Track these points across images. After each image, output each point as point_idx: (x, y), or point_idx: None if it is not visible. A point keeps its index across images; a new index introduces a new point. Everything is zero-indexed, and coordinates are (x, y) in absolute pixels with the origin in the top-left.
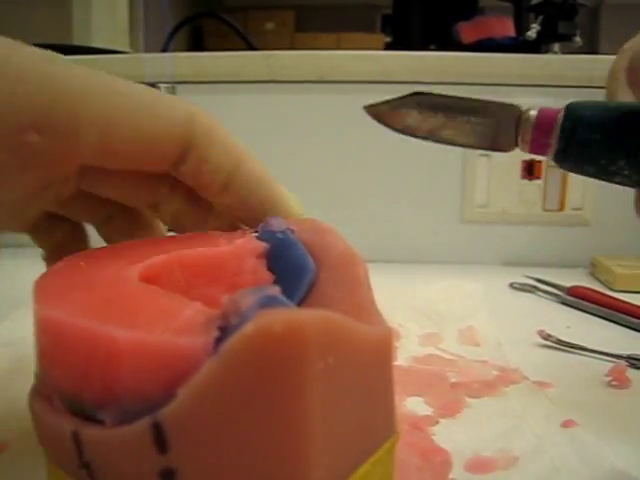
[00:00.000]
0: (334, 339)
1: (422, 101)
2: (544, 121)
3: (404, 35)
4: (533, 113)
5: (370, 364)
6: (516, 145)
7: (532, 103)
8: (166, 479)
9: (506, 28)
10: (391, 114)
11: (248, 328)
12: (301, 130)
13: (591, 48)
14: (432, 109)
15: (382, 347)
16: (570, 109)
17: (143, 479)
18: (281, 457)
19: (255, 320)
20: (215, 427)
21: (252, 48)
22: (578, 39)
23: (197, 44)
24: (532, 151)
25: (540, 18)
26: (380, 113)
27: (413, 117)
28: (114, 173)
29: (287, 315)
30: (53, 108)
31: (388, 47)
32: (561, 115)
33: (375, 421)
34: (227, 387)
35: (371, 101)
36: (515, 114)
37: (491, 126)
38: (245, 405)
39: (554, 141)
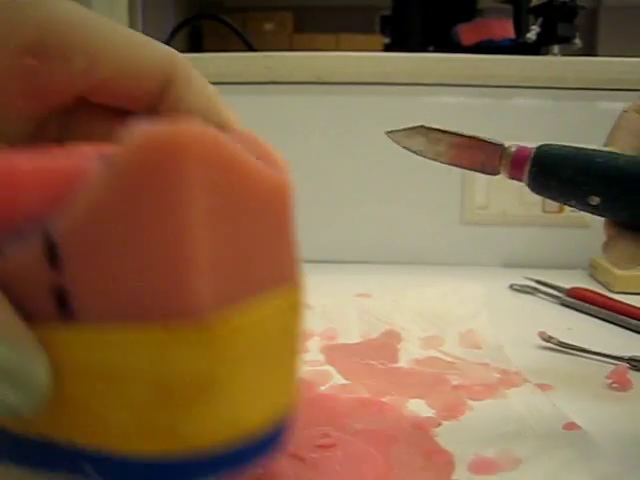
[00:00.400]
0: (217, 154)
1: (429, 132)
2: (519, 155)
3: (403, 36)
4: (513, 149)
5: (264, 201)
6: (499, 172)
7: (531, 105)
8: (58, 296)
9: (506, 30)
10: (406, 140)
11: (134, 137)
12: (300, 131)
13: (589, 50)
14: (436, 140)
15: (277, 188)
16: (540, 147)
17: (37, 298)
18: (166, 271)
19: (140, 130)
20: (103, 239)
21: (251, 49)
22: (578, 41)
23: (196, 45)
24: (511, 178)
25: (540, 20)
26: (398, 139)
27: (423, 144)
28: (95, 119)
29: (174, 125)
30: (45, 35)
31: (387, 48)
32: (532, 151)
33: (268, 262)
34: (113, 198)
35: (370, 101)
36: (499, 149)
37: (481, 157)
38: (130, 215)
39: (526, 172)
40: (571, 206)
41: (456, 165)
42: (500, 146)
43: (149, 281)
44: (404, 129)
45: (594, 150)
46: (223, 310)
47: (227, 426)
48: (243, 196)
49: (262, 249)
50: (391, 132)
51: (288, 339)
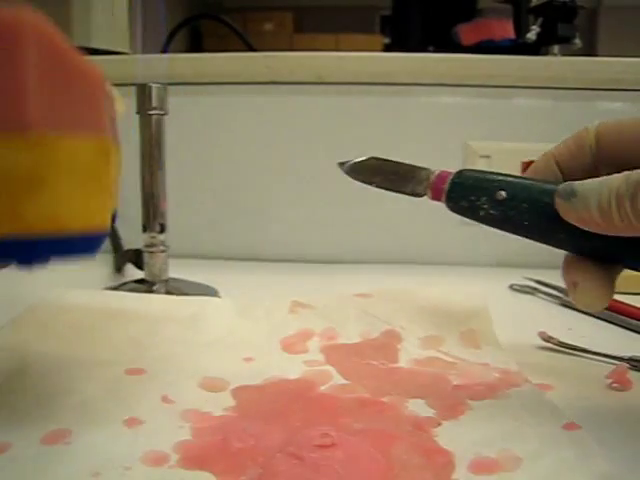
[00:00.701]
0: (46, 31)
1: (374, 163)
2: (441, 175)
3: (403, 36)
4: (437, 172)
5: (82, 75)
6: (425, 194)
7: (531, 105)
8: None
9: (505, 30)
10: (353, 172)
11: None
12: (300, 131)
13: (589, 50)
14: (378, 169)
15: (95, 73)
16: (459, 171)
17: None
18: (6, 96)
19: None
20: None
21: (251, 49)
22: (578, 41)
23: (196, 45)
24: (433, 197)
25: (540, 20)
26: (347, 170)
27: (366, 175)
28: None
29: (25, 9)
30: None
31: (387, 48)
32: (452, 173)
33: (84, 115)
34: None
35: (370, 102)
36: (428, 173)
37: (411, 180)
38: None
39: (446, 188)
40: (481, 219)
41: (390, 190)
42: (427, 171)
43: None
44: (355, 162)
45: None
46: (48, 130)
47: (53, 216)
48: (62, 63)
49: (78, 108)
50: (342, 164)
51: (100, 175)
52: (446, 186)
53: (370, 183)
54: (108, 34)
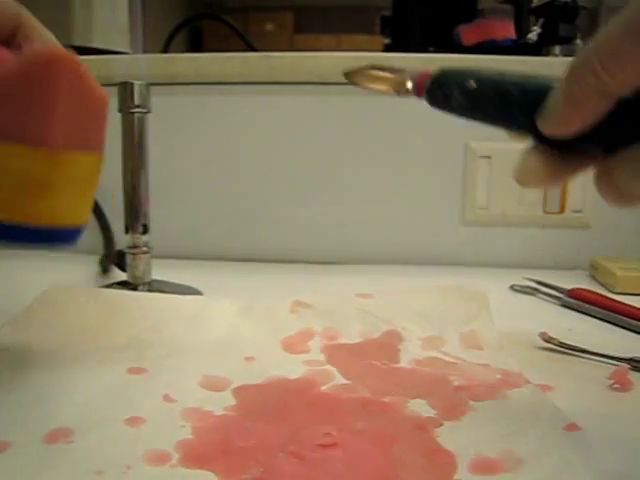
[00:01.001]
0: (73, 63)
1: (372, 70)
2: (424, 74)
3: (403, 37)
4: (422, 71)
5: (93, 100)
6: (411, 91)
7: None
8: None
9: (507, 30)
10: (352, 78)
11: (35, 48)
12: (300, 131)
13: None
14: (375, 74)
15: (101, 97)
16: (440, 68)
17: None
18: (40, 117)
19: (39, 46)
20: (12, 90)
21: (252, 49)
22: (579, 41)
23: (196, 45)
24: (416, 93)
25: (541, 20)
26: (348, 74)
27: (363, 80)
28: None
29: (57, 46)
30: None
31: (387, 49)
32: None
33: (90, 136)
34: (21, 71)
35: (371, 102)
36: (412, 73)
37: (403, 80)
38: (30, 82)
39: (426, 84)
40: (453, 110)
41: (381, 92)
42: (413, 72)
43: (30, 122)
44: (357, 68)
45: None
46: (64, 148)
47: (51, 215)
48: (83, 91)
49: (88, 128)
50: (347, 73)
51: (92, 180)
52: (426, 82)
53: (365, 87)
54: (109, 34)
